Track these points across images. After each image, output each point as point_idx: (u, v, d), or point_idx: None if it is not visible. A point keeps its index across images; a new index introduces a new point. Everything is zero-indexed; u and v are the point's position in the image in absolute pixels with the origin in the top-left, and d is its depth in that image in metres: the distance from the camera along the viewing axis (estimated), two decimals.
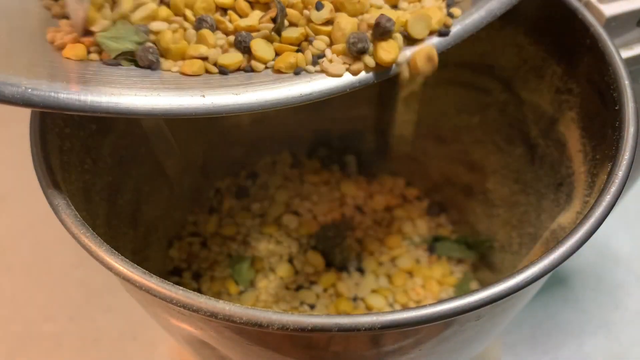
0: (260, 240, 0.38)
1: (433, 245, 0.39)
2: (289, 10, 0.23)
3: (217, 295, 0.36)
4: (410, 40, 0.23)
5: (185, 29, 0.23)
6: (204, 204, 0.40)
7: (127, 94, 0.20)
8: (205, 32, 0.22)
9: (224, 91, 0.22)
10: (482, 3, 0.24)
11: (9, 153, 0.50)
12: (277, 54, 0.23)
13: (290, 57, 0.22)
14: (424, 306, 0.18)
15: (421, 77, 0.23)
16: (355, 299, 0.36)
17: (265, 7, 0.23)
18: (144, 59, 0.22)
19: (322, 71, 0.22)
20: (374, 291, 0.36)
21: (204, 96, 0.21)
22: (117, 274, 0.19)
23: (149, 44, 0.22)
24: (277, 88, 0.22)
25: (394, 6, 0.24)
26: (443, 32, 0.23)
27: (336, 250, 0.37)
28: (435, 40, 0.23)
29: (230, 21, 0.23)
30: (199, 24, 0.22)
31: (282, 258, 0.38)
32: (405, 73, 0.23)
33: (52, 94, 0.20)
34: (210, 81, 0.22)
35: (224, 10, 0.23)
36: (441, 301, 0.18)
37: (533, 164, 0.31)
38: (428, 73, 0.23)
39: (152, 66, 0.22)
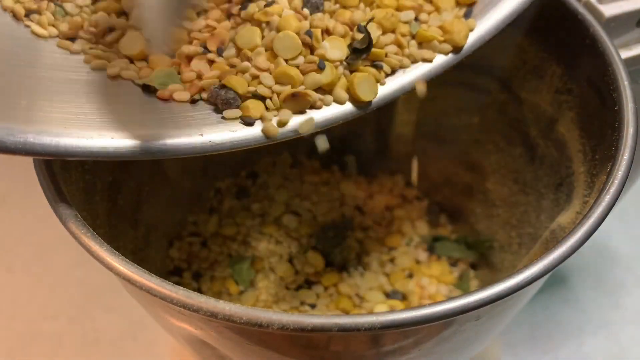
0: (260, 240, 0.39)
1: (433, 245, 0.39)
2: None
3: (218, 295, 0.36)
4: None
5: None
6: (204, 204, 0.40)
7: (128, 137, 0.20)
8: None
9: (221, 128, 0.22)
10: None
11: None
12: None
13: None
14: (424, 306, 0.18)
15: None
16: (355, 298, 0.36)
17: None
18: (224, 102, 0.22)
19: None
20: (372, 289, 0.36)
21: (202, 135, 0.21)
22: (118, 273, 0.19)
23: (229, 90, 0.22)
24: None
25: (416, 18, 0.24)
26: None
27: (336, 250, 0.37)
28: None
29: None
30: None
31: (282, 258, 0.38)
32: None
33: (53, 142, 0.19)
34: (209, 116, 0.22)
35: None
36: (441, 301, 0.18)
37: (533, 164, 0.31)
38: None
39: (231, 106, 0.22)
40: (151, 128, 0.21)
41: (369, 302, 0.36)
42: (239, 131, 0.22)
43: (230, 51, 0.23)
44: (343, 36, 0.23)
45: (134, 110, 0.21)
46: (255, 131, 0.22)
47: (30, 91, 0.21)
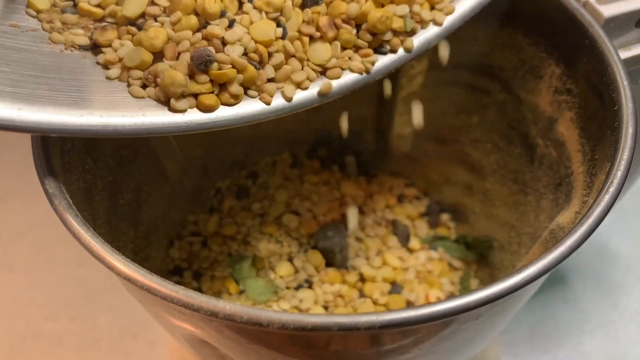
0: (260, 239, 0.39)
1: (433, 245, 0.39)
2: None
3: (218, 295, 0.36)
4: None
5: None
6: (205, 204, 0.40)
7: (115, 115, 0.21)
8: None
9: None
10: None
11: (9, 153, 0.50)
12: None
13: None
14: (423, 305, 0.18)
15: None
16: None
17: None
18: (200, 62, 0.22)
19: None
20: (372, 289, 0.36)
21: (184, 114, 0.22)
22: (118, 273, 0.19)
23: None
24: (253, 102, 0.22)
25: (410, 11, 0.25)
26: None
27: (336, 250, 0.37)
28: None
29: None
30: None
31: (282, 257, 0.38)
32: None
33: (42, 118, 0.20)
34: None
35: None
36: (440, 301, 0.18)
37: (532, 164, 0.31)
38: None
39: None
40: (138, 108, 0.21)
41: (368, 302, 0.36)
42: (220, 111, 0.22)
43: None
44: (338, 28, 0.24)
45: (121, 89, 0.22)
46: (235, 111, 0.22)
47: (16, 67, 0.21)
